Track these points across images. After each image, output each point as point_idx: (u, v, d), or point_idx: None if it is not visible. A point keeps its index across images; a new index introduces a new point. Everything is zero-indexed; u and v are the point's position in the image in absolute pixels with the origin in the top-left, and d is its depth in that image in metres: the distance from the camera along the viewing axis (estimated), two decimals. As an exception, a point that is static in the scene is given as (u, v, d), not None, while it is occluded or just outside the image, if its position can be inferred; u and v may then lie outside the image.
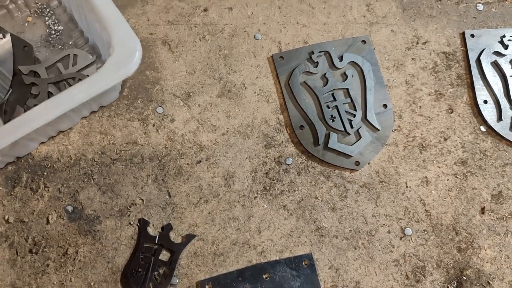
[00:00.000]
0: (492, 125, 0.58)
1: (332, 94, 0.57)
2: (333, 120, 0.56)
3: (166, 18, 0.59)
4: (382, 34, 0.61)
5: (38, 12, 0.58)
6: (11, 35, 0.53)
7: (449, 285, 0.53)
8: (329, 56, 0.58)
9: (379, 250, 0.53)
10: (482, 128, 0.59)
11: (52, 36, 0.57)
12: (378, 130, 0.56)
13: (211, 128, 0.55)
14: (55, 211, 0.51)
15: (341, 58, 0.58)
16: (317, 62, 0.58)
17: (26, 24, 0.57)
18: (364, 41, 0.60)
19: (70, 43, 0.56)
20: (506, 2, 0.64)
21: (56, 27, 0.57)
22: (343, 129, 0.56)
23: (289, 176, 0.55)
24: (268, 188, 0.54)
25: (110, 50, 0.43)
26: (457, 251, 0.54)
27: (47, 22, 0.57)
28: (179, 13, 0.59)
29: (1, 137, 0.40)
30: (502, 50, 0.60)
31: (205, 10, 0.60)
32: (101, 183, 0.52)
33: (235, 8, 0.60)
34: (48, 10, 0.58)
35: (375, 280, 0.52)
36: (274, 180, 0.54)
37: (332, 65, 0.58)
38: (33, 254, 0.50)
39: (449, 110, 0.59)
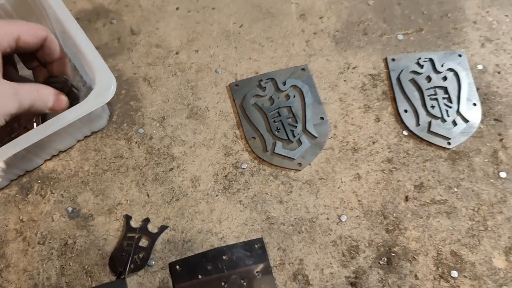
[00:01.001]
0: (412, 129, 0.71)
1: (278, 111, 0.71)
2: (278, 131, 0.69)
3: (146, 61, 0.75)
4: (319, 63, 0.76)
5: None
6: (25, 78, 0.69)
7: (380, 261, 0.63)
8: (275, 82, 0.73)
9: (319, 234, 0.65)
10: (405, 132, 0.71)
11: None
12: (316, 137, 0.69)
13: (181, 143, 0.70)
14: (58, 211, 0.65)
15: (284, 83, 0.73)
16: (265, 87, 0.72)
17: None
18: (303, 69, 0.74)
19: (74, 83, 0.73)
20: (423, 32, 0.78)
21: (62, 73, 0.74)
22: (286, 138, 0.69)
23: (244, 178, 0.68)
24: (227, 187, 0.67)
25: (94, 86, 0.59)
26: (386, 232, 0.65)
27: (55, 70, 0.74)
28: (156, 56, 0.75)
29: (4, 150, 0.54)
30: (418, 69, 0.74)
31: (177, 53, 0.76)
32: (94, 189, 0.66)
33: (200, 50, 0.76)
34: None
35: (316, 257, 0.63)
36: (232, 181, 0.67)
37: (277, 89, 0.72)
38: (41, 245, 0.63)
39: (376, 119, 0.72)
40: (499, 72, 0.75)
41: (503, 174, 0.68)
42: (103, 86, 0.58)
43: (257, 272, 0.62)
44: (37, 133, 0.55)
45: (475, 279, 0.63)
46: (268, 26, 0.78)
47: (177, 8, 0.79)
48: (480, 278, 0.63)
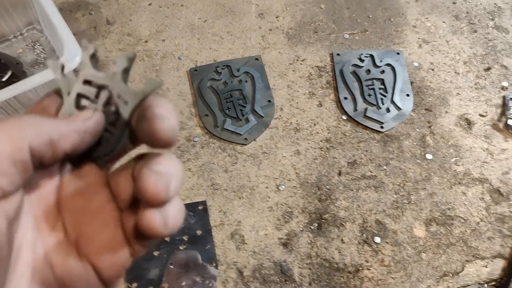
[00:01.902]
0: (350, 114, 0.79)
1: (230, 93, 0.79)
2: (229, 110, 0.78)
3: (118, 47, 0.84)
4: (272, 55, 0.84)
5: (30, 46, 0.84)
6: (10, 56, 0.79)
7: (311, 226, 0.70)
8: (230, 68, 0.81)
9: (258, 200, 0.71)
10: (343, 117, 0.79)
11: (38, 61, 0.82)
12: (263, 117, 0.77)
13: (141, 117, 0.78)
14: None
15: (238, 70, 0.81)
16: (221, 73, 0.81)
17: (21, 53, 0.83)
18: (257, 59, 0.83)
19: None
20: (367, 32, 0.88)
21: (42, 56, 0.83)
22: (236, 116, 0.77)
23: (195, 149, 0.75)
24: (178, 156, 0.74)
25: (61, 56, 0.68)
26: (318, 201, 0.72)
27: (35, 52, 0.83)
28: (127, 43, 0.85)
29: None
30: (360, 63, 0.83)
31: (146, 41, 0.85)
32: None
33: (167, 40, 0.85)
34: (38, 44, 0.84)
35: (253, 220, 0.70)
36: (184, 152, 0.75)
37: (232, 75, 0.81)
38: None
39: (319, 105, 0.80)
40: (433, 69, 0.84)
41: (429, 156, 0.76)
42: (69, 55, 0.66)
43: (198, 230, 0.68)
44: (6, 92, 0.64)
45: (396, 245, 0.69)
46: (229, 22, 0.88)
47: (149, 4, 0.89)
48: (400, 245, 0.69)
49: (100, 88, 0.27)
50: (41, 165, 0.24)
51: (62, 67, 0.28)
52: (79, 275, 0.26)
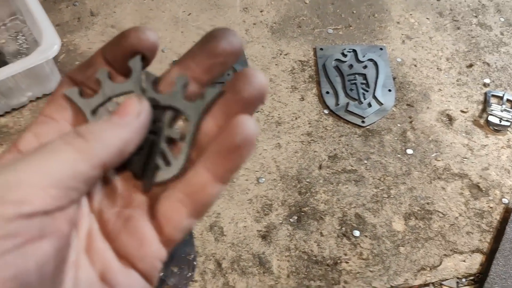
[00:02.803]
0: (332, 108, 0.79)
1: (212, 86, 0.79)
2: (210, 103, 0.77)
3: (101, 38, 0.84)
4: (255, 49, 0.84)
5: (13, 37, 0.83)
6: (-9, 46, 0.78)
7: (290, 218, 0.70)
8: (213, 61, 0.81)
9: (238, 192, 0.71)
10: (325, 111, 0.79)
11: (21, 51, 0.82)
12: (244, 110, 0.77)
13: (123, 109, 0.77)
14: (4, 160, 0.72)
15: (221, 63, 0.81)
16: (203, 65, 0.81)
17: (3, 43, 0.83)
18: (240, 53, 0.83)
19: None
20: (351, 28, 0.88)
21: (24, 46, 0.82)
22: (217, 109, 0.77)
23: (176, 141, 0.75)
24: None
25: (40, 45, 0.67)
26: (298, 194, 0.72)
27: (18, 43, 0.83)
28: (110, 35, 0.84)
29: None
30: (342, 58, 0.83)
31: (129, 33, 0.85)
32: (39, 143, 0.74)
33: (150, 32, 0.85)
34: (21, 35, 0.84)
35: (233, 212, 0.70)
36: (164, 143, 0.75)
37: (215, 68, 0.81)
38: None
39: (301, 99, 0.80)
40: (415, 65, 0.84)
41: (409, 151, 0.76)
42: (47, 45, 0.66)
43: (176, 221, 0.68)
44: (-15, 80, 0.63)
45: (375, 239, 0.69)
46: (213, 16, 0.88)
47: (134, -4, 0.89)
48: (379, 238, 0.69)
49: (164, 109, 0.28)
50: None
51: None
52: (119, 273, 0.27)
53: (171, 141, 0.29)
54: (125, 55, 0.28)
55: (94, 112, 0.28)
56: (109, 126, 0.25)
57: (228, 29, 0.26)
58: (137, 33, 0.27)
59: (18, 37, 0.83)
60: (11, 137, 0.74)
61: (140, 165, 0.28)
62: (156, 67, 0.81)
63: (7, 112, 0.76)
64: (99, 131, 0.25)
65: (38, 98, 0.77)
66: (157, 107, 0.28)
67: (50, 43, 0.66)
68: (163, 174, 0.28)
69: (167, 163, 0.28)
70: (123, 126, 0.25)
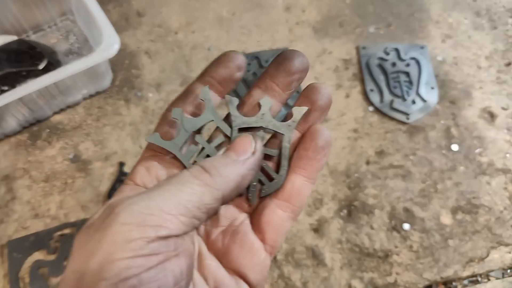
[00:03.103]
0: (377, 105, 0.81)
1: (260, 84, 0.81)
2: (259, 100, 0.79)
3: (149, 38, 0.86)
4: (299, 47, 0.86)
5: (64, 36, 0.86)
6: (45, 45, 0.80)
7: (341, 212, 0.72)
8: (259, 60, 0.83)
9: (289, 187, 0.73)
10: (370, 108, 0.81)
11: (72, 51, 0.84)
12: (291, 106, 0.79)
13: (173, 106, 0.80)
14: (62, 156, 0.74)
15: (267, 61, 0.83)
16: (250, 64, 0.83)
17: (55, 43, 0.85)
18: (285, 51, 0.85)
19: (84, 53, 0.84)
20: (391, 27, 0.90)
21: (76, 45, 0.85)
22: (265, 106, 0.79)
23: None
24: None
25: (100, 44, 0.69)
26: (348, 189, 0.74)
27: (69, 42, 0.85)
28: (157, 35, 0.87)
29: (17, 91, 0.64)
30: (385, 57, 0.85)
31: (176, 33, 0.87)
32: (94, 139, 0.76)
33: (197, 32, 0.87)
34: (72, 34, 0.86)
35: (285, 206, 0.72)
36: (215, 139, 0.77)
37: (260, 66, 0.83)
38: (44, 182, 0.72)
39: (346, 96, 0.82)
40: (456, 64, 0.86)
41: (454, 147, 0.78)
42: (108, 44, 0.68)
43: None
44: (47, 78, 0.66)
45: (424, 232, 0.71)
46: (257, 16, 0.90)
47: (178, -3, 0.91)
48: (428, 232, 0.71)
49: (255, 129, 0.31)
50: None
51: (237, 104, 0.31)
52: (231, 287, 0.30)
53: (268, 158, 0.32)
54: (231, 75, 0.31)
55: (181, 149, 0.31)
56: (229, 163, 0.28)
57: (296, 50, 0.31)
58: (238, 56, 0.31)
59: (69, 37, 0.85)
60: (66, 134, 0.76)
61: None
62: (203, 65, 0.83)
63: (62, 110, 0.78)
64: (221, 167, 0.28)
65: (91, 96, 0.79)
66: (249, 129, 0.31)
67: (111, 42, 0.68)
68: (268, 188, 0.31)
69: (270, 178, 0.31)
70: (241, 163, 0.28)
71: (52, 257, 0.66)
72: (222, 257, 0.31)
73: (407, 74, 0.83)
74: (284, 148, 0.31)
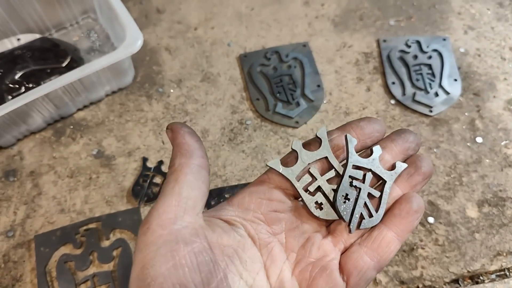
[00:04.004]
0: (399, 98, 0.80)
1: (280, 78, 0.81)
2: (279, 94, 0.79)
3: (169, 34, 0.87)
4: (318, 41, 0.86)
5: (85, 34, 0.87)
6: (68, 43, 0.82)
7: (364, 206, 0.71)
8: (279, 54, 0.83)
9: (311, 181, 0.73)
10: (392, 101, 0.80)
11: (94, 48, 0.85)
12: (313, 101, 0.79)
13: (194, 101, 0.80)
14: (85, 152, 0.75)
15: (287, 55, 0.83)
16: (270, 58, 0.83)
17: (77, 41, 0.86)
18: (304, 45, 0.85)
19: (106, 50, 0.84)
20: (412, 19, 0.89)
21: (97, 43, 0.86)
22: (286, 100, 0.79)
23: (247, 132, 0.77)
24: (232, 139, 0.76)
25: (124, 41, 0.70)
26: (370, 182, 0.73)
27: (91, 40, 0.86)
28: (177, 31, 0.87)
29: (41, 89, 0.65)
30: (406, 49, 0.84)
31: (195, 29, 0.87)
32: (117, 135, 0.77)
33: (216, 27, 0.88)
34: (93, 32, 0.87)
35: (307, 200, 0.71)
36: (236, 134, 0.77)
37: (281, 60, 0.83)
38: (69, 178, 0.73)
39: (367, 90, 0.81)
40: (479, 55, 0.85)
41: (479, 139, 0.76)
42: (131, 39, 0.69)
43: (254, 208, 0.70)
44: (74, 74, 0.66)
45: (450, 226, 0.70)
46: (275, 10, 0.90)
47: (197, -7, 0.92)
48: (454, 225, 0.70)
49: (365, 170, 0.36)
50: None
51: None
52: None
53: (370, 197, 0.36)
54: (370, 134, 0.37)
55: (297, 177, 0.36)
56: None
57: (410, 130, 0.38)
58: (381, 123, 0.38)
59: (90, 35, 0.86)
60: (90, 130, 0.77)
61: (349, 212, 0.35)
62: (224, 61, 0.84)
63: (85, 106, 0.79)
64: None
65: (113, 93, 0.80)
66: (359, 168, 0.36)
67: (134, 38, 0.69)
68: (367, 222, 0.35)
69: (370, 214, 0.36)
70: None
71: (78, 251, 0.67)
72: (305, 286, 0.34)
73: (430, 66, 0.82)
74: (385, 192, 0.36)
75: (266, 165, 0.34)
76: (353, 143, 0.36)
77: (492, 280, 0.67)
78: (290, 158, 0.37)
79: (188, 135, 0.33)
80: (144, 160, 0.74)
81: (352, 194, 0.35)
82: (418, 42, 0.84)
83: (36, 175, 0.73)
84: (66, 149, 0.75)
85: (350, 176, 0.36)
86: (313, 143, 0.38)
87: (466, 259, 0.68)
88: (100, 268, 0.66)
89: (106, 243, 0.67)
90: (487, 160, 0.75)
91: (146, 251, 0.27)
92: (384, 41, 0.85)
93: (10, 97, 0.72)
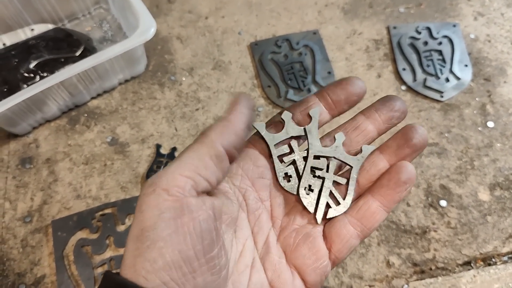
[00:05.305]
0: (410, 84, 0.80)
1: (291, 66, 0.82)
2: (290, 81, 0.80)
3: (180, 23, 0.88)
4: (329, 29, 0.87)
5: (98, 24, 0.88)
6: (81, 33, 0.83)
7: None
8: (290, 42, 0.84)
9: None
10: (403, 87, 0.81)
11: (106, 38, 0.86)
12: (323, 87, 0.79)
13: (206, 89, 0.81)
14: (100, 139, 0.76)
15: (298, 43, 0.84)
16: (281, 46, 0.83)
17: (89, 31, 0.87)
18: (315, 33, 0.85)
19: (118, 40, 0.85)
20: (422, 6, 0.89)
21: (110, 33, 0.87)
22: (297, 87, 0.79)
23: (259, 118, 0.78)
24: (244, 125, 0.77)
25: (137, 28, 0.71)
26: (382, 167, 0.73)
27: (103, 30, 0.87)
28: (188, 20, 0.88)
29: (56, 76, 0.66)
30: (416, 35, 0.84)
31: (206, 18, 0.88)
32: (131, 123, 0.78)
33: (226, 16, 0.88)
34: (105, 22, 0.88)
35: (320, 185, 0.72)
36: (249, 121, 0.78)
37: (292, 48, 0.83)
38: (84, 165, 0.74)
39: (378, 76, 0.82)
40: (489, 41, 0.85)
41: (490, 124, 0.77)
42: (144, 27, 0.70)
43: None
44: (88, 61, 0.67)
45: (462, 209, 0.70)
46: (285, -1, 0.90)
47: (207, -17, 0.92)
48: (466, 208, 0.70)
49: (328, 159, 0.36)
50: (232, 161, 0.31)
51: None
52: (287, 280, 0.33)
53: (337, 185, 0.35)
54: (348, 98, 0.36)
55: (276, 146, 0.35)
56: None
57: (396, 96, 0.36)
58: (358, 82, 0.36)
59: (102, 25, 0.87)
60: (104, 118, 0.78)
61: (313, 204, 0.35)
62: (235, 49, 0.84)
63: (99, 95, 0.80)
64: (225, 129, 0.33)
65: (126, 81, 0.81)
66: (322, 157, 0.36)
67: (147, 26, 0.70)
68: (333, 211, 0.35)
69: (336, 202, 0.35)
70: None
71: (94, 236, 0.68)
72: (289, 252, 0.34)
73: (440, 52, 0.82)
74: (352, 178, 0.35)
75: (252, 125, 0.33)
76: (313, 134, 0.35)
77: (504, 262, 0.67)
78: (276, 124, 0.36)
79: (241, 115, 0.30)
80: (158, 146, 0.75)
81: (316, 184, 0.35)
82: (428, 29, 0.85)
83: (52, 162, 0.74)
84: (81, 137, 0.77)
85: (312, 168, 0.35)
86: (303, 119, 0.36)
87: (478, 241, 0.68)
88: (117, 252, 0.67)
89: (121, 228, 0.69)
90: (498, 144, 0.75)
91: (148, 213, 0.26)
92: (394, 27, 0.86)
93: (25, 85, 0.73)
